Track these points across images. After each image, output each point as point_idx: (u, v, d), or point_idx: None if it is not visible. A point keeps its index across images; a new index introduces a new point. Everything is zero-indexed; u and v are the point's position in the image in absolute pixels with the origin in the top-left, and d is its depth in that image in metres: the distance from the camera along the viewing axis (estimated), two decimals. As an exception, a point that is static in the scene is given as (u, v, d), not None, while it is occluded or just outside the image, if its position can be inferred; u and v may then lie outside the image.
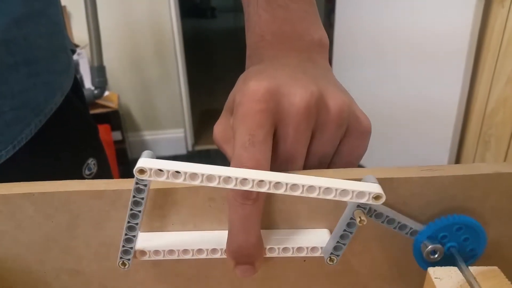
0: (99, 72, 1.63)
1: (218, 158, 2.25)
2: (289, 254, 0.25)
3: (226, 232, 0.24)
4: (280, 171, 0.24)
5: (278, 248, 0.25)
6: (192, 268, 0.27)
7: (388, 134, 1.72)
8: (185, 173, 0.20)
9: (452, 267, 0.23)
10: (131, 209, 0.22)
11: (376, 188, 0.21)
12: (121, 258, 0.24)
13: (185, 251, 0.24)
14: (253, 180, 0.20)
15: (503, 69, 1.29)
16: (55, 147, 0.44)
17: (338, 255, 0.24)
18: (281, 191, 0.20)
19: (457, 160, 1.54)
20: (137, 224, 0.23)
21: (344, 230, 0.23)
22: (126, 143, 1.98)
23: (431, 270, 0.23)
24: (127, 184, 0.24)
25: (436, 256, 0.24)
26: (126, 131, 2.10)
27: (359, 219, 0.22)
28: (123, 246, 0.23)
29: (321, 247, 0.24)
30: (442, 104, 1.48)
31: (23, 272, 0.26)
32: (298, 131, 0.24)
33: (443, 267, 0.23)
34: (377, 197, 0.21)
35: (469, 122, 1.46)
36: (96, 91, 1.67)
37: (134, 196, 0.22)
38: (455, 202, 0.25)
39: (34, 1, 0.38)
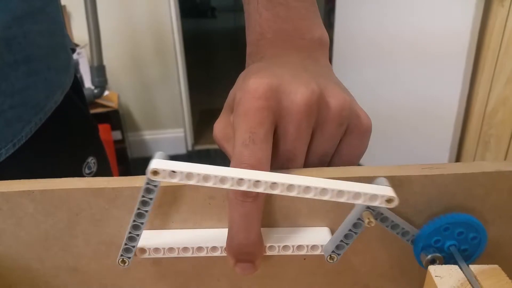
0: (99, 71, 1.63)
1: (218, 157, 2.25)
2: (289, 252, 0.25)
3: (226, 230, 0.24)
4: (280, 169, 0.25)
5: (278, 246, 0.25)
6: (192, 266, 0.27)
7: (388, 134, 1.72)
8: (198, 174, 0.20)
9: (452, 266, 0.23)
10: (138, 209, 0.22)
11: (389, 191, 0.21)
12: (121, 256, 0.24)
13: (185, 249, 0.24)
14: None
15: (503, 69, 1.29)
16: (55, 145, 0.44)
17: (339, 254, 0.24)
18: (293, 193, 0.20)
19: (457, 160, 1.54)
20: (142, 223, 0.23)
21: (350, 230, 0.23)
22: (126, 142, 1.98)
23: (431, 269, 0.22)
24: (127, 182, 0.24)
25: (437, 263, 0.24)
26: (126, 130, 2.10)
27: (367, 221, 0.22)
28: (126, 244, 0.23)
29: (322, 245, 0.24)
30: (442, 104, 1.48)
31: (22, 270, 0.26)
32: (298, 129, 0.24)
33: (443, 266, 0.23)
34: (389, 200, 0.21)
35: (469, 122, 1.46)
36: (96, 91, 1.67)
37: (143, 196, 0.22)
38: (456, 201, 0.25)
39: None
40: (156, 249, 0.24)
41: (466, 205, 0.25)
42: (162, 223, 0.25)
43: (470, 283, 0.21)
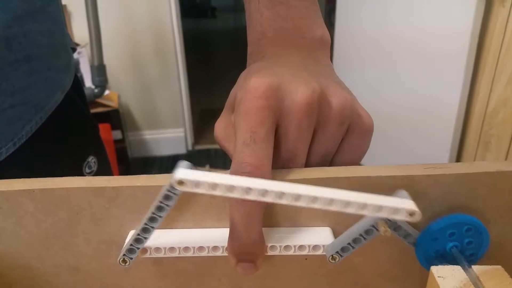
0: (99, 71, 1.63)
1: (218, 157, 2.25)
2: (290, 252, 0.25)
3: (228, 229, 0.24)
4: (282, 168, 0.24)
5: (280, 246, 0.24)
6: (193, 265, 0.27)
7: (388, 134, 1.72)
8: (223, 185, 0.20)
9: (455, 266, 0.23)
10: (153, 213, 0.22)
11: (411, 205, 0.21)
12: (124, 255, 0.23)
13: (186, 248, 0.24)
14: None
15: (504, 70, 1.29)
16: (56, 144, 0.44)
17: (342, 256, 0.24)
18: (316, 205, 0.20)
19: (458, 160, 1.54)
20: (153, 227, 0.22)
21: (360, 235, 0.23)
22: (126, 142, 1.98)
23: (434, 269, 0.22)
24: (127, 181, 0.23)
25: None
26: (126, 130, 2.10)
27: (383, 229, 0.22)
28: (131, 245, 0.23)
29: (323, 245, 0.24)
30: (443, 104, 1.47)
31: (23, 269, 0.26)
32: (300, 128, 0.24)
33: (446, 266, 0.23)
34: (411, 214, 0.21)
35: (469, 122, 1.46)
36: (96, 90, 1.67)
37: (160, 202, 0.21)
38: (458, 201, 0.25)
39: None
40: (157, 249, 0.24)
41: (468, 205, 0.25)
42: (164, 223, 0.25)
43: (473, 283, 0.21)
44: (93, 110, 1.70)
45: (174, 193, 0.21)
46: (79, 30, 1.81)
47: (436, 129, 1.54)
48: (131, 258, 0.24)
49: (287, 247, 0.24)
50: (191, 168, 0.21)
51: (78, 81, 0.50)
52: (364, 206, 0.20)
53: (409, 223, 0.24)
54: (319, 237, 0.25)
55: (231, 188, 0.20)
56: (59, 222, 0.24)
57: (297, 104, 0.23)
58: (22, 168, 0.40)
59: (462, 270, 0.22)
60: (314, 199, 0.20)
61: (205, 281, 0.27)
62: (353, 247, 0.23)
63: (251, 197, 0.20)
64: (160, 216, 0.22)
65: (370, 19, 1.70)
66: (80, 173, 0.47)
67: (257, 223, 0.23)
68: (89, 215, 0.24)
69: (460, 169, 0.24)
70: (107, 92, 1.77)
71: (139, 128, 2.20)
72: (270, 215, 0.25)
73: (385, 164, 0.25)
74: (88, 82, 1.70)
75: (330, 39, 0.31)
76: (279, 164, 0.25)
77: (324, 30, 0.30)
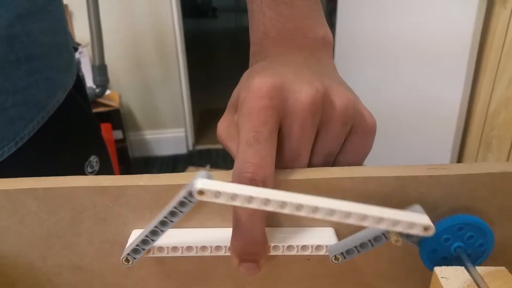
0: (100, 71, 1.63)
1: (219, 157, 2.25)
2: (293, 252, 0.24)
3: (231, 229, 0.24)
4: (285, 168, 0.24)
5: (283, 246, 0.24)
6: (196, 265, 0.27)
7: (389, 135, 1.72)
8: (243, 196, 0.20)
9: (459, 267, 0.23)
10: (165, 217, 0.22)
11: (425, 220, 0.21)
12: (128, 255, 0.23)
13: (189, 248, 0.24)
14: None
15: (505, 70, 1.29)
16: (58, 144, 0.44)
17: (346, 258, 0.24)
18: (334, 217, 0.20)
19: (459, 161, 1.53)
20: (162, 231, 0.22)
21: (369, 241, 0.23)
22: (127, 142, 1.98)
23: (437, 270, 0.22)
24: (131, 180, 0.23)
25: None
26: (127, 130, 2.10)
27: (395, 239, 0.22)
28: (137, 245, 0.23)
29: (326, 246, 0.24)
30: (444, 105, 1.47)
31: (25, 268, 0.26)
32: (303, 128, 0.24)
33: (449, 267, 0.23)
34: (426, 229, 0.21)
35: (471, 123, 1.46)
36: (97, 90, 1.67)
37: (175, 207, 0.21)
38: (461, 202, 0.25)
39: None
40: (160, 248, 0.24)
41: (471, 206, 0.25)
42: (166, 222, 0.25)
43: (476, 284, 0.21)
44: (94, 110, 1.69)
45: (190, 201, 0.21)
46: (80, 30, 1.82)
47: (438, 130, 1.54)
48: (135, 258, 0.24)
49: (290, 247, 0.24)
50: (210, 178, 0.21)
51: (80, 81, 0.50)
52: (380, 220, 0.21)
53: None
54: (322, 237, 0.25)
55: (250, 199, 0.20)
56: (62, 221, 0.24)
57: (300, 103, 0.23)
58: (24, 168, 0.40)
59: (465, 271, 0.22)
60: (332, 212, 0.20)
61: (207, 281, 0.27)
62: (358, 251, 0.24)
63: (270, 208, 0.20)
64: (171, 221, 0.22)
65: (371, 20, 1.70)
66: (82, 173, 0.47)
67: (261, 223, 0.23)
68: (92, 214, 0.24)
69: (463, 170, 0.24)
70: (108, 92, 1.77)
71: (140, 128, 2.20)
72: (273, 215, 0.25)
73: (385, 165, 0.25)
74: (89, 82, 1.70)
75: (332, 39, 0.31)
76: (282, 164, 0.25)
77: (326, 30, 0.30)
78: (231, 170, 0.23)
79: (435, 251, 0.24)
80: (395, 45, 1.62)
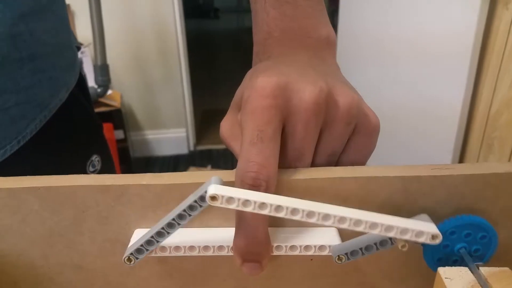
0: (102, 70, 1.63)
1: (220, 158, 2.25)
2: (296, 253, 0.24)
3: (233, 229, 0.23)
4: (288, 168, 0.24)
5: (286, 246, 0.24)
6: (198, 265, 0.26)
7: (391, 135, 1.71)
8: (255, 202, 0.20)
9: (462, 268, 0.22)
10: (173, 219, 0.22)
11: (433, 228, 0.22)
12: (131, 254, 0.23)
13: (191, 247, 0.24)
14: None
15: (507, 71, 1.28)
16: (60, 143, 0.44)
17: (350, 259, 0.24)
18: (345, 225, 0.21)
19: (460, 162, 1.53)
20: (168, 233, 0.22)
21: (374, 244, 0.23)
22: (128, 141, 1.98)
23: (441, 270, 0.22)
24: (133, 179, 0.23)
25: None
26: (129, 130, 2.10)
27: (402, 244, 0.22)
28: (141, 245, 0.23)
29: (329, 246, 0.24)
30: (446, 105, 1.47)
31: (27, 267, 0.26)
32: (307, 128, 0.24)
33: (453, 267, 0.22)
34: (434, 237, 0.22)
35: (472, 124, 1.46)
36: (99, 90, 1.68)
37: (184, 211, 0.21)
38: (465, 202, 0.25)
39: None
40: (163, 248, 0.24)
41: (475, 206, 0.25)
42: (168, 222, 0.25)
43: (480, 285, 0.21)
44: (95, 110, 1.69)
45: (201, 205, 0.21)
46: (82, 30, 1.82)
47: (439, 130, 1.53)
48: (137, 258, 0.23)
49: (293, 247, 0.24)
50: (222, 184, 0.21)
51: (82, 80, 0.50)
52: (390, 228, 0.21)
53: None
54: (325, 238, 0.24)
55: (262, 205, 0.20)
56: (64, 220, 0.24)
57: (304, 103, 0.23)
58: (26, 166, 0.40)
59: (469, 272, 0.22)
60: (342, 219, 0.21)
61: (210, 281, 0.27)
62: (363, 254, 0.23)
63: (281, 215, 0.20)
64: (179, 224, 0.22)
65: (373, 20, 1.70)
66: (84, 172, 0.47)
67: (263, 223, 0.23)
68: (94, 213, 0.24)
69: (467, 170, 0.24)
70: (109, 91, 1.77)
71: (141, 128, 2.20)
72: (275, 214, 0.25)
73: (386, 164, 0.25)
74: (91, 82, 1.70)
75: (336, 38, 0.31)
76: (285, 163, 0.24)
77: (330, 30, 0.30)
78: (234, 170, 0.23)
79: (439, 251, 0.24)
80: (397, 46, 1.61)
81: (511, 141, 1.31)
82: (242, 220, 0.23)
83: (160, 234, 0.22)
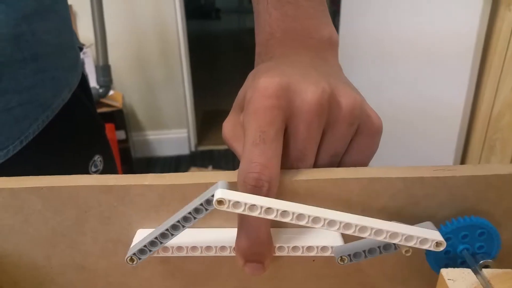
0: (104, 71, 1.63)
1: (221, 158, 2.25)
2: (298, 253, 0.24)
3: (236, 229, 0.23)
4: (291, 169, 0.24)
5: (288, 247, 0.24)
6: (200, 265, 0.26)
7: (392, 136, 1.71)
8: (261, 207, 0.20)
9: (465, 269, 0.22)
10: (178, 222, 0.22)
11: (438, 236, 0.22)
12: (134, 255, 0.23)
13: (194, 248, 0.24)
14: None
15: (509, 73, 1.28)
16: (62, 143, 0.44)
17: (352, 261, 0.24)
18: (350, 231, 0.21)
19: (462, 163, 1.53)
20: (172, 235, 0.22)
21: (378, 247, 0.23)
22: (129, 142, 1.98)
23: (444, 272, 0.22)
24: (136, 180, 0.23)
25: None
26: (130, 130, 2.10)
27: (406, 249, 0.22)
28: (145, 246, 0.23)
29: (332, 247, 0.24)
30: (448, 106, 1.47)
31: (29, 267, 0.26)
32: (309, 129, 0.23)
33: (456, 269, 0.22)
34: (438, 244, 0.22)
35: (474, 125, 1.46)
36: (101, 90, 1.68)
37: (189, 213, 0.22)
38: (467, 203, 0.25)
39: None
40: (165, 248, 0.24)
41: (478, 208, 0.25)
42: (171, 222, 0.25)
43: (483, 287, 0.21)
44: (97, 110, 1.70)
45: (206, 209, 0.21)
46: (84, 31, 1.82)
47: (441, 131, 1.53)
48: (140, 259, 0.23)
49: (295, 248, 0.24)
50: (229, 188, 0.21)
51: (85, 80, 0.50)
52: (395, 235, 0.21)
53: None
54: (327, 238, 0.24)
55: (268, 210, 0.20)
56: (67, 220, 0.24)
57: (307, 104, 0.23)
58: (28, 166, 0.40)
59: (472, 273, 0.22)
60: (347, 226, 0.21)
61: (212, 281, 0.27)
62: (366, 256, 0.24)
63: (287, 220, 0.20)
64: (183, 226, 0.22)
65: (374, 21, 1.70)
66: (86, 172, 0.47)
67: (266, 223, 0.23)
68: (97, 214, 0.24)
69: (470, 172, 0.24)
70: (111, 92, 1.77)
71: (143, 128, 2.20)
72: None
73: (388, 165, 0.25)
74: (92, 82, 1.70)
75: (338, 39, 0.31)
76: (287, 164, 0.24)
77: (332, 30, 0.30)
78: (236, 171, 0.23)
79: (442, 258, 0.24)
80: (398, 46, 1.61)
81: (513, 142, 1.31)
82: (245, 221, 0.22)
83: (164, 236, 0.22)
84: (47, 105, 0.40)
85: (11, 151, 0.37)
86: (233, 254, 0.24)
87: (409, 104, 1.64)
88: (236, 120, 0.27)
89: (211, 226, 0.25)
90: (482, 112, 1.41)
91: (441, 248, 0.22)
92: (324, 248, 0.24)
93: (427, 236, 0.22)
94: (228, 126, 0.27)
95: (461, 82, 1.40)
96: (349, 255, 0.24)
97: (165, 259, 0.26)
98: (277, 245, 0.24)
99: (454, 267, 0.23)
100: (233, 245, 0.24)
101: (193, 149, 2.31)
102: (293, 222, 0.20)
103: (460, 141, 1.49)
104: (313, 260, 0.26)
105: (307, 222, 0.21)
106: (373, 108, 0.27)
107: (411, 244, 0.22)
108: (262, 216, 0.20)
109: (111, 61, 1.67)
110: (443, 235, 0.23)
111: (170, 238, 0.22)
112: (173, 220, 0.22)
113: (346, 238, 0.25)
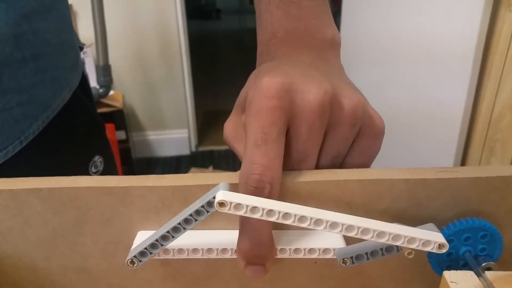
0: (104, 71, 1.63)
1: (222, 159, 2.25)
2: (300, 256, 0.24)
3: (237, 231, 0.23)
4: (292, 170, 0.24)
5: (290, 249, 0.24)
6: (201, 267, 0.26)
7: (393, 137, 1.71)
8: (263, 209, 0.20)
9: (468, 271, 0.22)
10: (179, 224, 0.22)
11: (440, 238, 0.22)
12: (134, 257, 0.23)
13: (195, 250, 0.24)
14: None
15: (510, 73, 1.28)
16: (62, 143, 0.44)
17: (354, 263, 0.24)
18: (353, 233, 0.21)
19: (462, 165, 1.53)
20: (173, 237, 0.22)
21: (380, 250, 0.23)
22: (130, 142, 1.98)
23: (446, 274, 0.22)
24: (137, 181, 0.23)
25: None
26: (130, 130, 2.10)
27: (408, 251, 0.22)
28: (145, 248, 0.23)
29: (333, 249, 0.24)
30: (448, 107, 1.47)
31: (28, 269, 0.26)
32: (311, 129, 0.23)
33: (459, 271, 0.22)
34: (441, 246, 0.22)
35: (475, 126, 1.45)
36: (101, 90, 1.68)
37: (191, 215, 0.21)
38: (470, 205, 0.24)
39: None
40: (166, 250, 0.24)
41: (480, 209, 0.24)
42: (171, 224, 0.25)
43: (486, 289, 0.21)
44: (97, 110, 1.70)
45: (208, 211, 0.21)
46: (84, 30, 1.82)
47: (441, 132, 1.53)
48: (140, 261, 0.23)
49: (296, 250, 0.24)
50: (230, 190, 0.21)
51: (85, 80, 0.50)
52: (397, 237, 0.21)
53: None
54: (329, 240, 0.24)
55: (270, 212, 0.20)
56: (67, 221, 0.24)
57: (309, 104, 0.23)
58: (28, 167, 0.40)
59: (475, 276, 0.22)
60: (350, 228, 0.21)
61: (213, 284, 0.27)
62: (368, 258, 0.23)
63: (289, 222, 0.20)
64: (184, 228, 0.22)
65: (376, 22, 1.70)
66: (86, 173, 0.47)
67: (267, 225, 0.23)
68: (97, 215, 0.24)
69: (472, 173, 0.24)
70: (111, 92, 1.77)
71: (143, 128, 2.20)
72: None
73: (389, 167, 0.25)
74: (93, 82, 1.70)
75: (340, 39, 0.31)
76: (289, 165, 0.24)
77: (334, 31, 0.30)
78: (238, 172, 0.23)
79: (444, 260, 0.24)
80: (399, 47, 1.61)
81: (513, 143, 1.30)
82: (246, 223, 0.22)
83: (165, 238, 0.22)
84: (47, 105, 0.40)
85: (11, 152, 0.37)
86: (234, 256, 0.24)
87: (410, 104, 1.64)
88: (237, 121, 0.26)
89: (212, 228, 0.25)
90: (483, 113, 1.41)
91: (444, 250, 0.22)
92: (326, 250, 0.24)
93: (430, 238, 0.22)
94: (230, 127, 0.27)
95: (461, 83, 1.40)
96: (351, 257, 0.23)
97: (166, 261, 0.26)
98: (279, 247, 0.24)
99: (456, 269, 0.22)
100: (235, 247, 0.24)
101: (193, 149, 2.31)
102: (295, 224, 0.20)
103: (460, 141, 1.49)
104: (315, 262, 0.26)
105: (309, 224, 0.20)
106: (373, 108, 0.27)
107: (413, 246, 0.22)
108: (263, 218, 0.20)
109: (112, 61, 1.67)
110: (445, 237, 0.23)
111: (171, 240, 0.22)
112: (174, 222, 0.22)
113: (348, 239, 0.25)
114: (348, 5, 1.86)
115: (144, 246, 0.23)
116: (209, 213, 0.21)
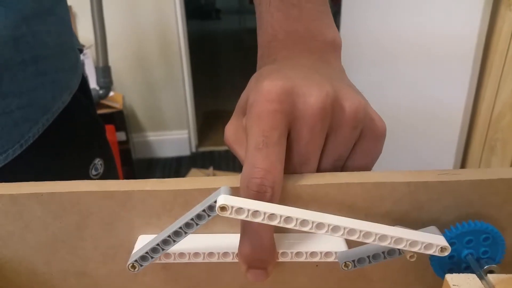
0: (104, 72, 1.63)
1: (222, 160, 2.25)
2: (302, 259, 0.24)
3: (238, 235, 0.23)
4: (294, 173, 0.24)
5: (291, 253, 0.24)
6: (202, 271, 0.26)
7: (393, 137, 1.71)
8: (264, 213, 0.20)
9: (470, 275, 0.22)
10: (180, 228, 0.22)
11: (442, 241, 0.22)
12: (135, 261, 0.23)
13: (196, 254, 0.24)
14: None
15: (510, 73, 1.28)
16: (62, 146, 0.44)
17: (356, 266, 0.24)
18: (354, 237, 0.21)
19: (463, 164, 1.53)
20: (175, 241, 0.22)
21: (382, 253, 0.23)
22: (130, 143, 1.98)
23: (449, 277, 0.22)
24: (138, 185, 0.23)
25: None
26: (130, 131, 2.10)
27: (410, 254, 0.22)
28: (146, 253, 0.23)
29: (335, 252, 0.24)
30: (448, 107, 1.47)
31: (29, 274, 0.26)
32: (312, 132, 0.23)
33: (461, 274, 0.22)
34: (443, 249, 0.22)
35: (475, 125, 1.45)
36: (101, 92, 1.68)
37: (192, 219, 0.21)
38: (472, 208, 0.24)
39: None
40: (167, 254, 0.24)
41: (482, 212, 0.24)
42: (172, 228, 0.24)
43: (489, 293, 0.21)
44: (97, 112, 1.69)
45: (209, 215, 0.21)
46: (84, 31, 1.82)
47: (442, 132, 1.53)
48: (141, 265, 0.23)
49: (298, 254, 0.24)
50: (231, 194, 0.21)
51: (85, 82, 0.50)
52: (399, 241, 0.21)
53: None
54: (331, 244, 0.24)
55: (272, 216, 0.20)
56: (67, 226, 0.24)
57: (310, 107, 0.23)
58: (28, 170, 0.40)
59: (477, 279, 0.22)
60: (352, 231, 0.21)
61: (214, 287, 0.27)
62: (370, 262, 0.23)
63: (290, 226, 0.20)
64: (185, 232, 0.22)
65: (375, 22, 1.70)
66: (87, 175, 0.47)
67: (269, 229, 0.22)
68: (98, 220, 0.24)
69: (474, 176, 0.24)
70: (111, 93, 1.77)
71: (143, 129, 2.20)
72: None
73: (389, 168, 0.25)
74: (92, 84, 1.70)
75: (341, 41, 0.31)
76: (291, 169, 0.24)
77: (335, 33, 0.30)
78: (239, 175, 0.23)
79: (446, 263, 0.24)
80: (399, 47, 1.61)
81: (514, 143, 1.30)
82: (248, 227, 0.22)
83: (166, 242, 0.22)
84: (47, 108, 0.40)
85: (11, 155, 0.37)
86: (236, 260, 0.24)
87: (410, 104, 1.64)
88: (238, 124, 0.26)
89: (213, 231, 0.25)
90: (483, 113, 1.40)
91: (446, 253, 0.22)
92: (327, 254, 0.24)
93: (432, 241, 0.22)
94: (231, 130, 0.27)
95: (461, 83, 1.40)
96: (353, 260, 0.23)
97: (167, 265, 0.26)
98: (281, 251, 0.24)
99: (458, 272, 0.22)
100: (236, 251, 0.24)
101: (193, 150, 2.31)
102: (297, 228, 0.20)
103: (460, 141, 1.49)
104: (317, 266, 0.26)
105: (311, 228, 0.20)
106: (374, 109, 0.26)
107: (415, 249, 0.22)
108: (265, 222, 0.20)
109: (111, 62, 1.67)
110: (447, 240, 0.23)
111: (172, 245, 0.22)
112: (175, 226, 0.22)
113: (350, 243, 0.25)
114: (348, 5, 1.86)
115: (145, 251, 0.22)
116: (210, 217, 0.21)
